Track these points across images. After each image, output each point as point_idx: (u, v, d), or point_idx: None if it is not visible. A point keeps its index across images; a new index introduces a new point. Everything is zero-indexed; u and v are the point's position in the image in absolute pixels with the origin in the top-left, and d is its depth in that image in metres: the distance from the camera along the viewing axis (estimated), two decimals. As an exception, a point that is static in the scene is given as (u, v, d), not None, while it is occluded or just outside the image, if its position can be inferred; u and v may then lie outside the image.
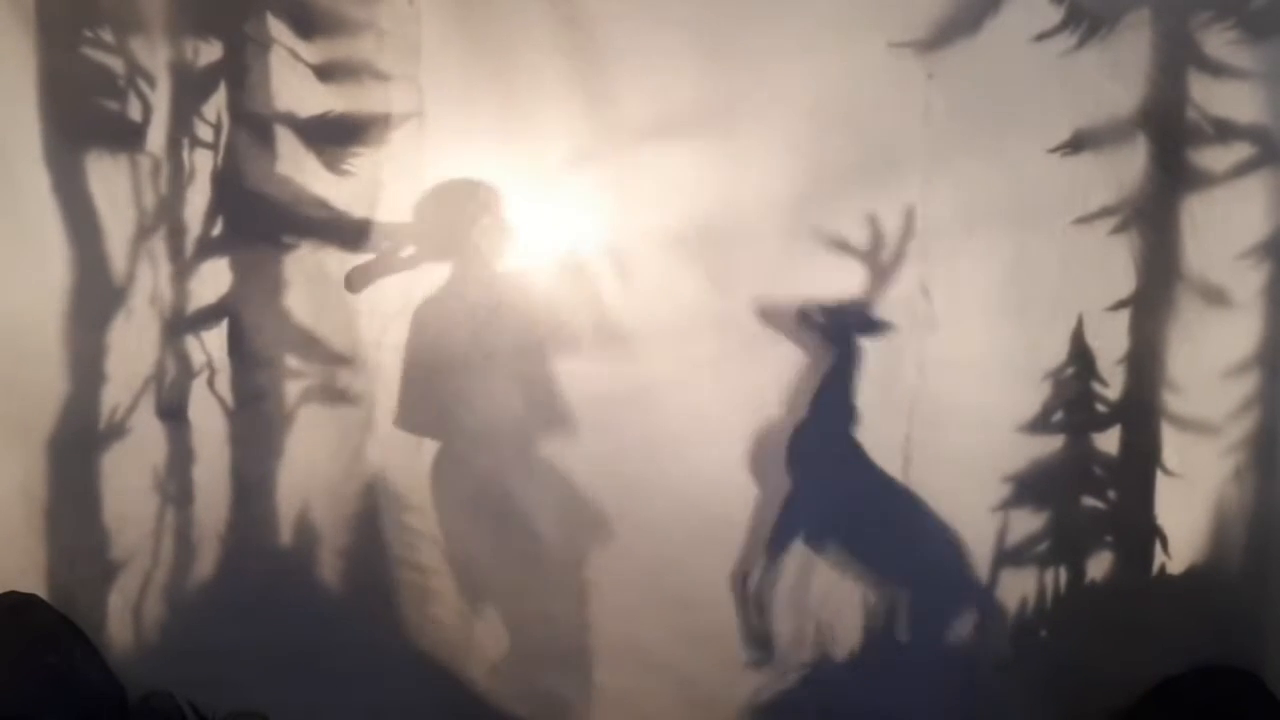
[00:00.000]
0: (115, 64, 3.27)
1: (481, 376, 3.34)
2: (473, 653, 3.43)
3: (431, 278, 3.33)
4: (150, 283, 3.35)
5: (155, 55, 3.27)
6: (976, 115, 3.21)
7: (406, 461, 3.38)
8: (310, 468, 3.39)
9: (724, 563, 3.38)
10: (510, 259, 3.32)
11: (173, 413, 3.39)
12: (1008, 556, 3.36)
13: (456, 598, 3.42)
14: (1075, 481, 3.35)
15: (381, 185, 3.28)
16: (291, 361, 3.36)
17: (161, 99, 3.29)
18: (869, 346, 3.28)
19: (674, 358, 3.31)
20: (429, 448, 3.38)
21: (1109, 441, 3.34)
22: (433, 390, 3.35)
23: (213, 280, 3.34)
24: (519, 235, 3.30)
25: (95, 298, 3.34)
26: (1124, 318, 3.28)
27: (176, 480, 3.41)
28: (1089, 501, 3.36)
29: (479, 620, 3.43)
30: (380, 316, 3.33)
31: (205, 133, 3.29)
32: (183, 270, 3.34)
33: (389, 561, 3.40)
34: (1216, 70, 3.17)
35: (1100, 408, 3.32)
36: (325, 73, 3.24)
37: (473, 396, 3.35)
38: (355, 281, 3.28)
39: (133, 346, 3.36)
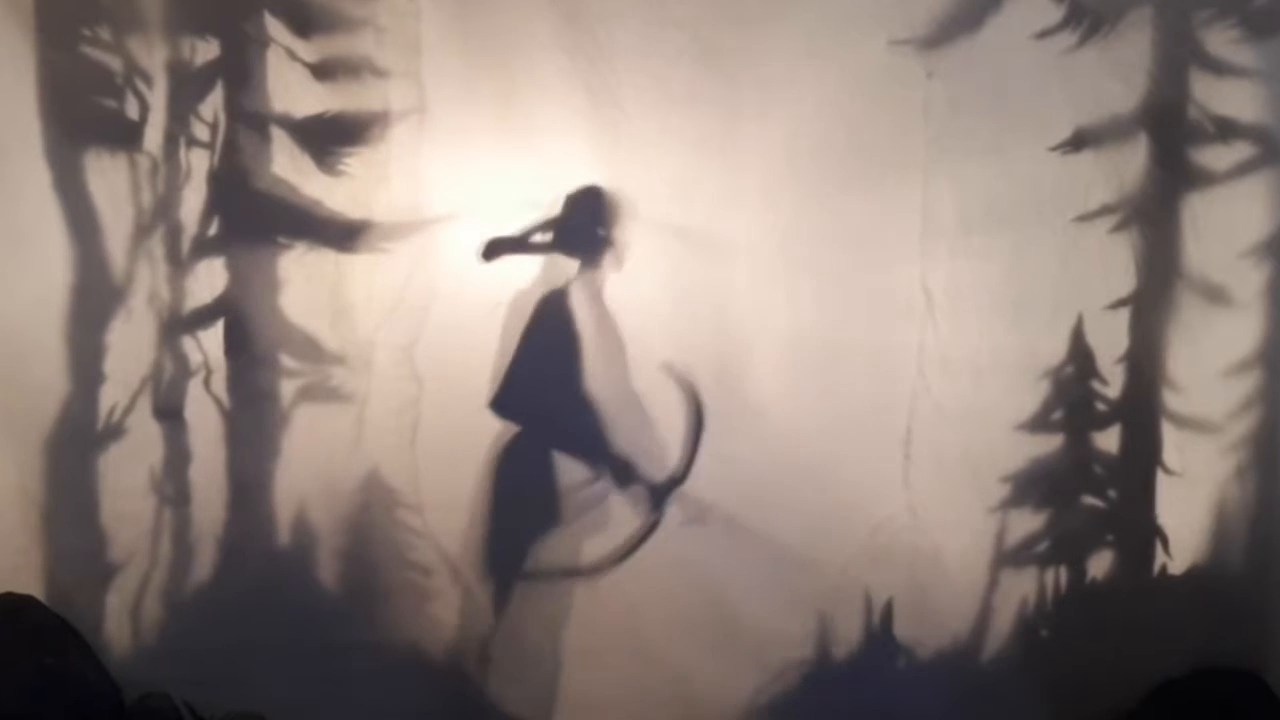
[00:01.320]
0: (113, 63, 3.26)
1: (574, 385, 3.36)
2: (471, 650, 3.43)
3: (551, 272, 3.34)
4: (149, 282, 3.34)
5: (153, 54, 3.27)
6: (977, 113, 3.22)
7: (401, 459, 3.38)
8: (307, 467, 3.38)
9: (724, 558, 3.38)
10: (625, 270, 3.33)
11: (170, 413, 3.38)
12: (1008, 556, 3.36)
13: (463, 590, 3.43)
14: (1075, 481, 3.35)
15: (378, 184, 3.28)
16: (287, 361, 3.36)
17: (159, 98, 3.28)
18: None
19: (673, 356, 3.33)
20: (422, 445, 3.37)
21: (1109, 440, 3.35)
22: (532, 383, 3.34)
23: (209, 280, 3.34)
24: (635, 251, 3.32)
25: (95, 297, 3.33)
26: (1124, 316, 3.29)
27: (174, 481, 3.40)
28: (1089, 501, 3.37)
29: (478, 615, 3.43)
30: (371, 315, 3.33)
31: (202, 132, 3.29)
32: (180, 270, 3.34)
33: (386, 561, 3.40)
34: (1218, 69, 3.18)
35: (1100, 406, 3.33)
36: (323, 71, 3.25)
37: (563, 402, 3.37)
38: (490, 251, 3.28)
39: (131, 346, 3.35)
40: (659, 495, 3.35)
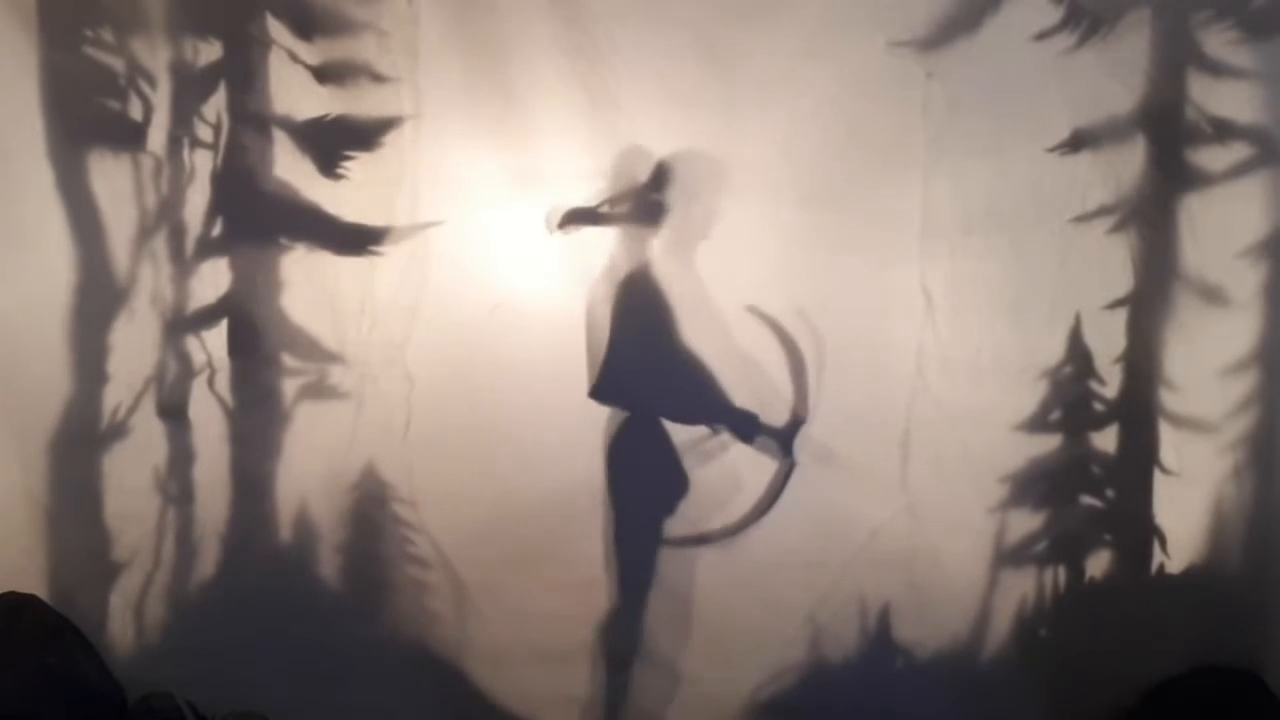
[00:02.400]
0: (116, 64, 3.27)
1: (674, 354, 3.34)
2: (471, 648, 3.43)
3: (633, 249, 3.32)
4: (152, 282, 3.35)
5: (156, 55, 3.28)
6: (976, 114, 3.23)
7: (394, 455, 3.38)
8: (309, 465, 3.39)
9: (725, 562, 3.39)
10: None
11: (173, 412, 3.39)
12: (1007, 556, 3.37)
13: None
14: (1073, 480, 3.36)
15: (379, 186, 3.29)
16: (290, 360, 3.37)
17: (162, 99, 3.29)
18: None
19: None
20: (415, 441, 3.37)
21: (1107, 440, 3.35)
22: (634, 361, 3.34)
23: (212, 280, 3.35)
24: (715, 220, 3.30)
25: (98, 297, 3.34)
26: (1122, 316, 3.29)
27: (177, 479, 3.41)
28: (1087, 500, 3.37)
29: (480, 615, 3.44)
30: (371, 315, 3.34)
31: (205, 133, 3.30)
32: (183, 270, 3.35)
33: (385, 556, 3.41)
34: (1216, 70, 3.19)
35: (1098, 406, 3.33)
36: (325, 74, 3.25)
37: (666, 374, 3.36)
38: (565, 221, 3.28)
39: (134, 346, 3.36)
40: (786, 439, 3.33)
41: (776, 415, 3.34)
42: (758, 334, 3.30)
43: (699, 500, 3.38)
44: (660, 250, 3.30)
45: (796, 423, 3.33)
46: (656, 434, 3.36)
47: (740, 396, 3.34)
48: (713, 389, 3.33)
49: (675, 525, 3.39)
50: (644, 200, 3.28)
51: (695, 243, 3.29)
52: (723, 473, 3.37)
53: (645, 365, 3.34)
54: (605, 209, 3.28)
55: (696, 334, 3.32)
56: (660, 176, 3.27)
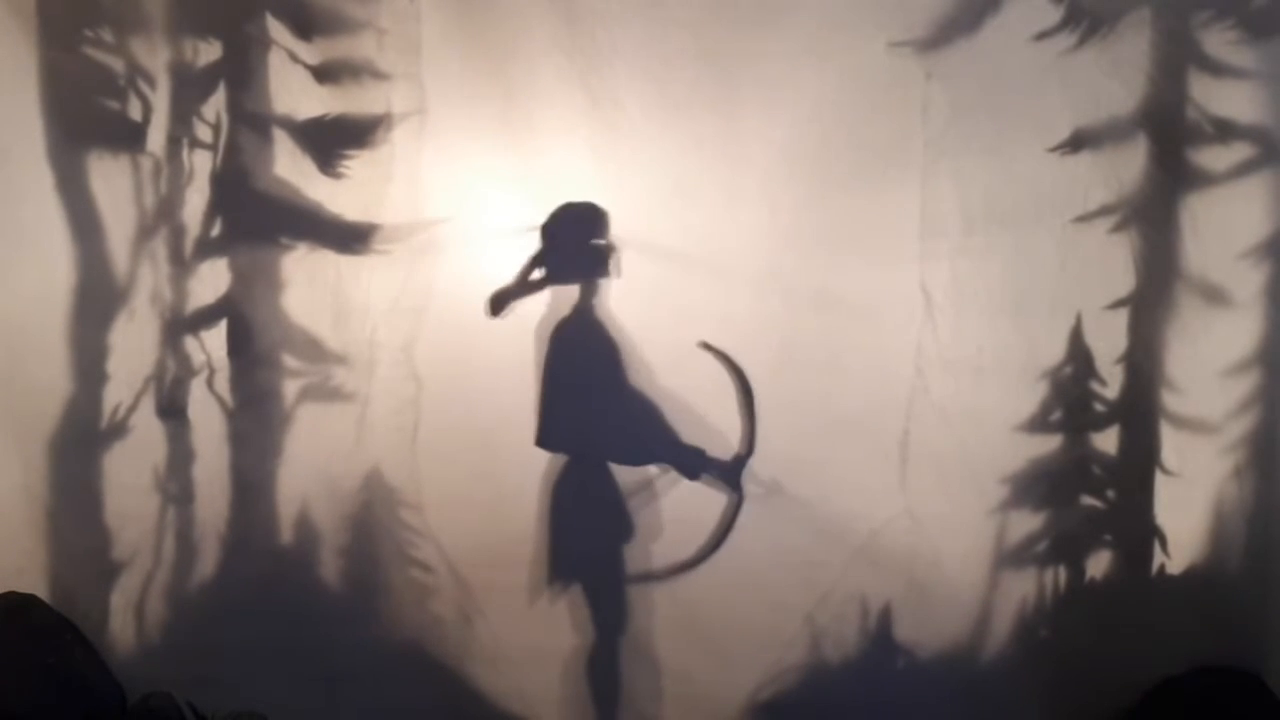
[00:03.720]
0: (115, 64, 3.28)
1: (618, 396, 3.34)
2: (472, 650, 3.44)
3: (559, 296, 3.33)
4: (151, 282, 3.35)
5: (155, 55, 3.28)
6: (976, 114, 3.21)
7: (401, 458, 3.38)
8: (309, 466, 3.39)
9: (725, 562, 3.38)
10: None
11: (173, 412, 3.40)
12: (1007, 557, 3.37)
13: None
14: (1074, 481, 3.35)
15: (379, 185, 3.28)
16: (290, 361, 3.37)
17: (161, 99, 3.30)
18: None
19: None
20: (422, 444, 3.38)
21: (1108, 441, 3.34)
22: (573, 409, 3.34)
23: (212, 280, 3.35)
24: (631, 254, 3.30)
25: (97, 297, 3.35)
26: (1123, 317, 3.28)
27: (177, 479, 3.42)
28: (1088, 501, 3.36)
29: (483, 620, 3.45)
30: (372, 315, 3.34)
31: (204, 133, 3.30)
32: (183, 270, 3.35)
33: (388, 559, 3.41)
34: (1217, 70, 3.17)
35: (1099, 407, 3.32)
36: (325, 73, 3.25)
37: (610, 416, 3.37)
38: (494, 305, 3.28)
39: (134, 346, 3.37)
40: (733, 474, 3.33)
41: (720, 450, 3.34)
42: (703, 369, 3.30)
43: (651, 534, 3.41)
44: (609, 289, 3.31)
45: (743, 458, 3.33)
46: (601, 478, 3.37)
47: (684, 432, 3.35)
48: (659, 426, 3.33)
49: (633, 557, 3.41)
50: (558, 257, 3.29)
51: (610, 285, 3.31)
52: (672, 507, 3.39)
53: (588, 409, 3.34)
54: (533, 275, 3.29)
55: (645, 371, 3.33)
56: (593, 223, 3.27)
